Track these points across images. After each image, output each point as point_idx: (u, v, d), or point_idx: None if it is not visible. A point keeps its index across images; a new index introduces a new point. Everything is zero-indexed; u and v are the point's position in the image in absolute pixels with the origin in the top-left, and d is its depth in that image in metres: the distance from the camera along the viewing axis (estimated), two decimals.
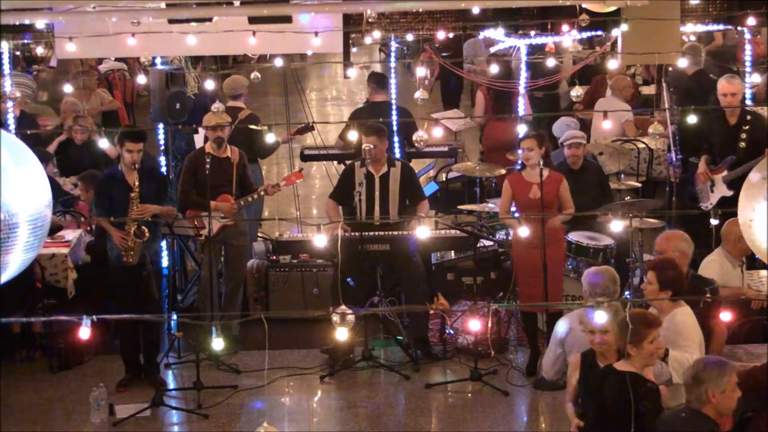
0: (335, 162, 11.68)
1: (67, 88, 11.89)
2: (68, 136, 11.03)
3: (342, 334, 4.76)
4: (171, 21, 8.19)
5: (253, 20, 8.33)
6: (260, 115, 11.28)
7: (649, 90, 13.57)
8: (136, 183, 8.38)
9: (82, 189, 9.84)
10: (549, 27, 13.77)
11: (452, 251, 9.77)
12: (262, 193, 9.31)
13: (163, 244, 9.45)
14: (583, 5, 8.36)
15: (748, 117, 9.52)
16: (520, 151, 8.77)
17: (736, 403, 5.58)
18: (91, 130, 10.67)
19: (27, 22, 8.34)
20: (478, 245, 9.16)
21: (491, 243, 9.73)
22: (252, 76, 10.75)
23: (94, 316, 4.63)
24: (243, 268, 9.55)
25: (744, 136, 9.45)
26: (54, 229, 8.94)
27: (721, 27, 14.38)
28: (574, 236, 9.25)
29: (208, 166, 8.70)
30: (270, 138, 9.47)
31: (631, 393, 5.69)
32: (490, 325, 8.67)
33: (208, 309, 8.94)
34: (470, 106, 13.63)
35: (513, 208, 8.86)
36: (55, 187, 9.54)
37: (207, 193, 8.86)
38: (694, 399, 5.54)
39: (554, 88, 13.42)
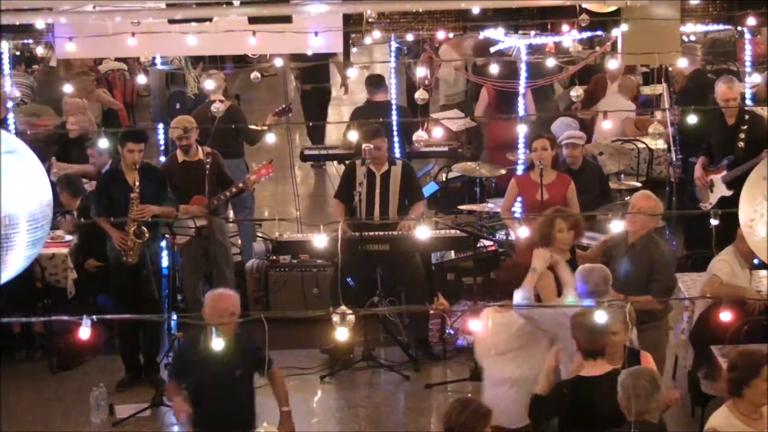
0: (335, 162, 11.67)
1: (67, 88, 11.88)
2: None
3: (342, 334, 4.75)
4: (171, 21, 8.18)
5: (253, 20, 8.32)
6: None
7: (649, 90, 13.55)
8: (137, 183, 8.38)
9: (66, 197, 9.45)
10: (549, 27, 13.73)
11: (452, 251, 9.76)
12: (234, 189, 9.21)
13: (163, 244, 9.44)
14: (583, 5, 8.36)
15: (747, 117, 9.51)
16: (526, 151, 8.73)
17: None
18: (88, 127, 10.63)
19: (16, 22, 8.32)
20: (478, 245, 9.16)
21: (491, 243, 9.72)
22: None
23: (94, 316, 4.63)
24: (224, 270, 9.43)
25: (742, 136, 9.44)
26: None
27: (721, 27, 14.37)
28: None
29: (191, 171, 8.76)
30: (270, 138, 9.45)
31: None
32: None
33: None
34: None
35: (514, 209, 8.85)
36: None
37: (183, 200, 8.93)
38: (653, 407, 5.30)
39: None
